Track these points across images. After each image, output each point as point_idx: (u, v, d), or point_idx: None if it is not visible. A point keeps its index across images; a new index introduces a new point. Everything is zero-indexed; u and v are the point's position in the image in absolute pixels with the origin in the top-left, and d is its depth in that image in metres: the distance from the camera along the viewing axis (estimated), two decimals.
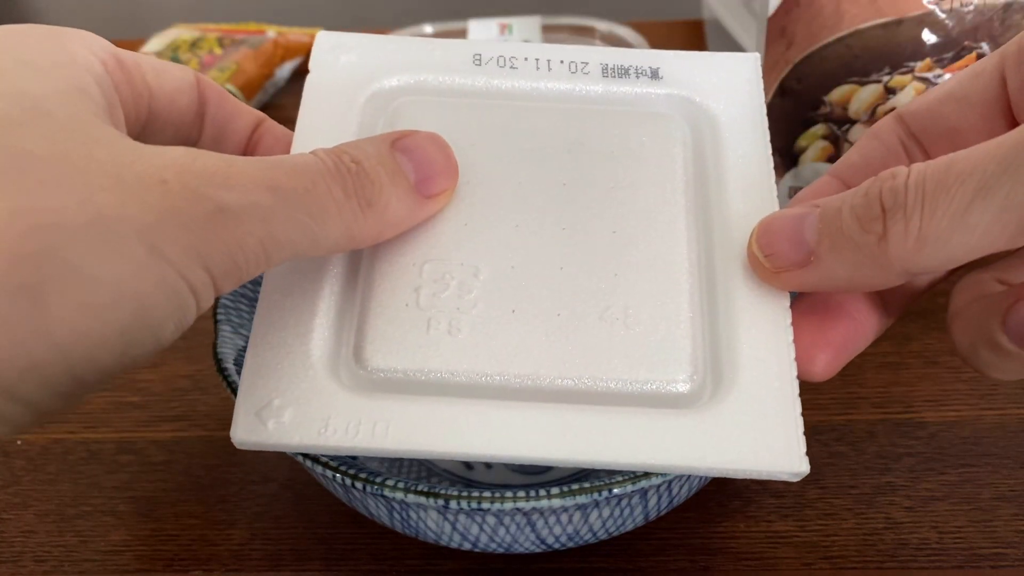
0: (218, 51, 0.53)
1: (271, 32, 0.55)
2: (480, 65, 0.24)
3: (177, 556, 0.27)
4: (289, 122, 0.23)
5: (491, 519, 0.21)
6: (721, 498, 0.27)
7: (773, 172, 0.22)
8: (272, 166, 0.17)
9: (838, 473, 0.28)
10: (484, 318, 0.20)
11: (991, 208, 0.15)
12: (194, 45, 0.54)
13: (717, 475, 0.19)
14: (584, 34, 0.51)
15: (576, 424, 0.19)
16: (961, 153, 0.16)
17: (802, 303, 0.21)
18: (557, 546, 0.23)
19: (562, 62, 0.24)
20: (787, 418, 0.19)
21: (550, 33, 0.51)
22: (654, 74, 0.24)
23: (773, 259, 0.19)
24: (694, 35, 0.56)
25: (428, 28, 0.50)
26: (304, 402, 0.18)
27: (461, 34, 0.50)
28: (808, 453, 0.29)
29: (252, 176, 0.17)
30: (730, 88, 0.24)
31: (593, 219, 0.21)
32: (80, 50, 0.18)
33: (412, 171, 0.19)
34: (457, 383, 0.19)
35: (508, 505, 0.20)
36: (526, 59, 0.24)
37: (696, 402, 0.19)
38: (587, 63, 0.24)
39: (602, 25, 0.51)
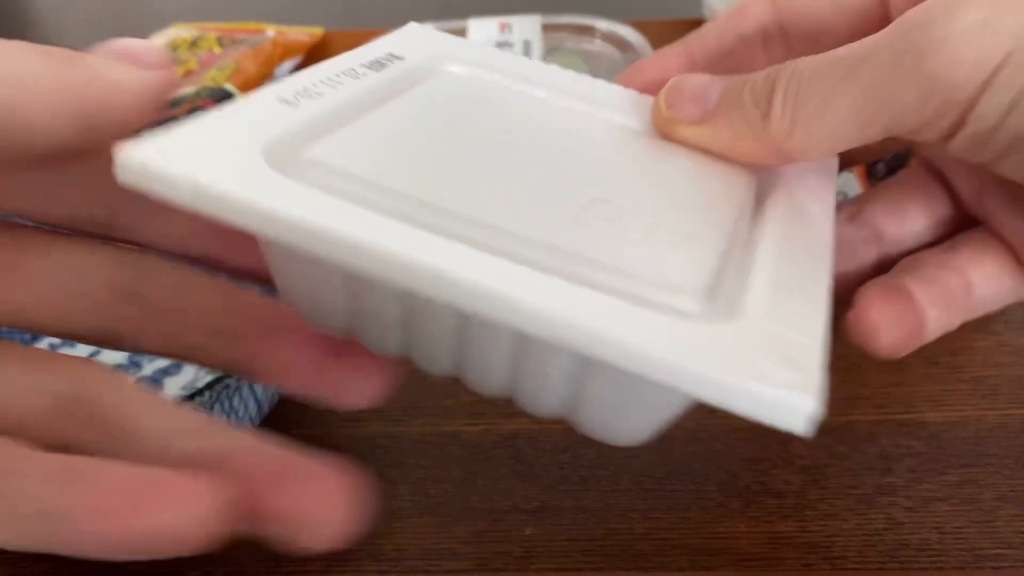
0: (217, 50, 0.53)
1: (270, 31, 0.55)
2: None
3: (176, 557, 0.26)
4: None
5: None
6: (722, 498, 0.27)
7: None
8: None
9: (839, 474, 0.28)
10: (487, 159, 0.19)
11: (850, 94, 0.17)
12: (193, 44, 0.54)
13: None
14: (584, 33, 0.51)
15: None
16: (842, 48, 0.18)
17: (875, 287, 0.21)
18: None
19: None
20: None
21: (550, 32, 0.51)
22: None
23: (673, 110, 0.20)
24: None
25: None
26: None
27: (461, 33, 0.50)
28: (809, 453, 0.30)
29: None
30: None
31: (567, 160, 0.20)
32: None
33: None
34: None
35: None
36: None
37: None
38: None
39: (602, 24, 0.51)
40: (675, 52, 0.24)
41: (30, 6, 0.73)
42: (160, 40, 0.55)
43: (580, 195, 0.18)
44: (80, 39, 0.62)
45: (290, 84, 0.20)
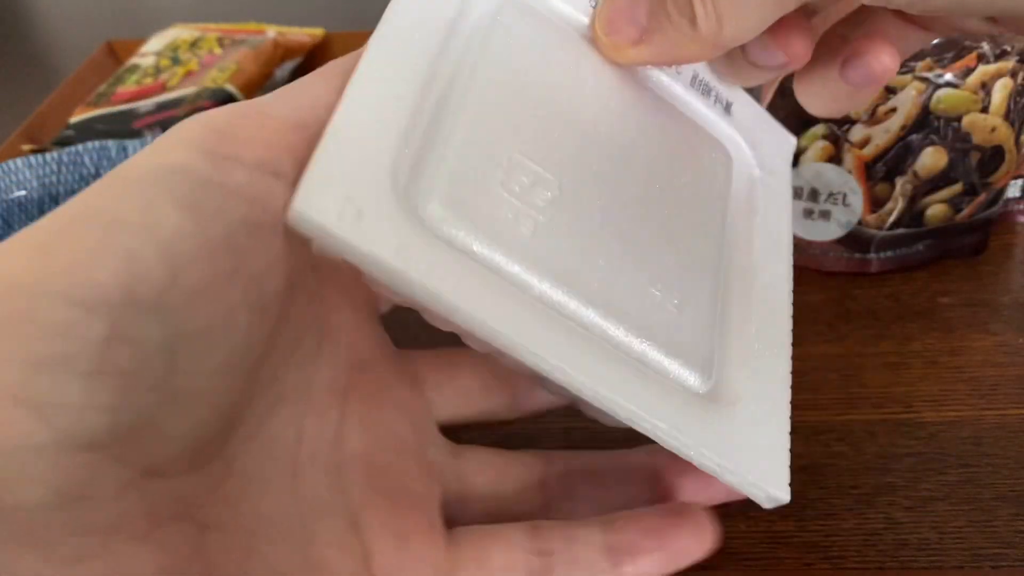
0: (218, 51, 0.53)
1: (271, 32, 0.55)
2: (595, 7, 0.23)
3: None
4: None
5: None
6: None
7: (790, 238, 0.25)
8: None
9: (838, 473, 0.28)
10: (555, 229, 0.19)
11: None
12: (194, 45, 0.54)
13: (701, 463, 0.19)
14: None
15: (609, 359, 0.19)
16: None
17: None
18: None
19: None
20: (780, 447, 0.21)
21: None
22: (727, 108, 0.26)
23: (613, 37, 0.21)
24: None
25: None
26: (379, 215, 0.16)
27: None
28: (808, 453, 0.30)
29: None
30: (772, 155, 0.26)
31: (659, 198, 0.22)
32: None
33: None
34: (512, 275, 0.19)
35: None
36: None
37: (701, 401, 0.20)
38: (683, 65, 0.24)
39: None
40: None
41: (30, 6, 0.73)
42: (161, 40, 0.55)
43: (645, 268, 0.21)
44: (80, 39, 0.62)
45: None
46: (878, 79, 0.22)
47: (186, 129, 0.15)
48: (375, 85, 0.18)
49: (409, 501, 0.20)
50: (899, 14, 0.22)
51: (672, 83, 0.24)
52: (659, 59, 0.21)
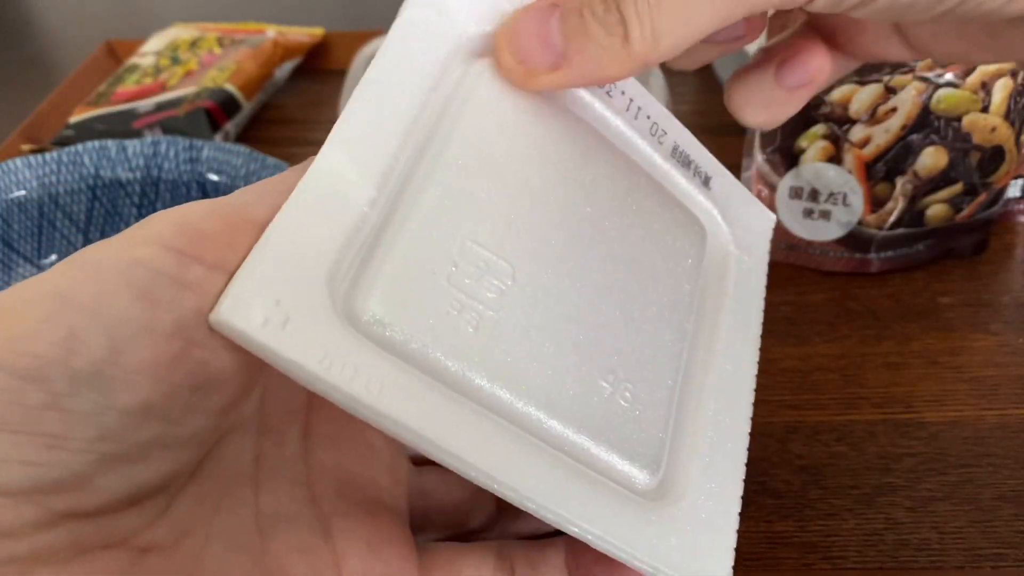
0: (217, 51, 0.53)
1: (271, 32, 0.55)
2: None
3: None
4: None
5: None
6: None
7: (760, 321, 0.24)
8: None
9: (838, 473, 0.28)
10: (502, 323, 0.19)
11: (705, 2, 0.18)
12: (193, 45, 0.54)
13: (633, 566, 0.19)
14: None
15: (542, 463, 0.18)
16: None
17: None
18: None
19: (648, 117, 0.23)
20: (725, 544, 0.20)
21: None
22: (706, 182, 0.25)
23: (527, 64, 0.19)
24: None
25: None
26: (308, 320, 0.16)
27: None
28: (808, 453, 0.30)
29: None
30: (750, 232, 0.26)
31: (624, 279, 0.22)
32: None
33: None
34: (451, 374, 0.18)
35: None
36: (622, 93, 0.23)
37: (647, 495, 0.20)
38: (666, 133, 0.24)
39: None
40: None
41: (30, 6, 0.73)
42: (160, 40, 0.55)
43: (599, 361, 0.20)
44: (80, 39, 0.62)
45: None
46: (813, 78, 0.22)
47: (157, 223, 0.16)
48: (326, 183, 0.17)
49: (379, 510, 0.20)
50: (823, 39, 0.23)
51: (652, 152, 0.24)
52: (578, 82, 0.20)
